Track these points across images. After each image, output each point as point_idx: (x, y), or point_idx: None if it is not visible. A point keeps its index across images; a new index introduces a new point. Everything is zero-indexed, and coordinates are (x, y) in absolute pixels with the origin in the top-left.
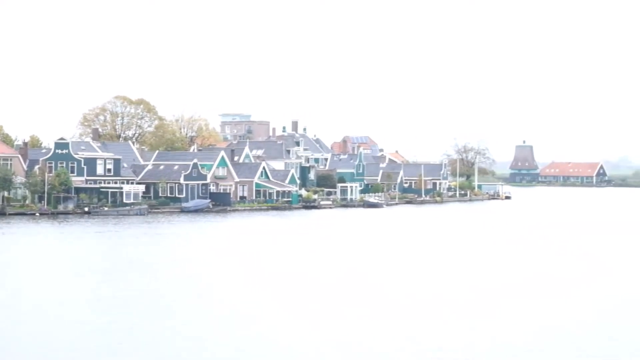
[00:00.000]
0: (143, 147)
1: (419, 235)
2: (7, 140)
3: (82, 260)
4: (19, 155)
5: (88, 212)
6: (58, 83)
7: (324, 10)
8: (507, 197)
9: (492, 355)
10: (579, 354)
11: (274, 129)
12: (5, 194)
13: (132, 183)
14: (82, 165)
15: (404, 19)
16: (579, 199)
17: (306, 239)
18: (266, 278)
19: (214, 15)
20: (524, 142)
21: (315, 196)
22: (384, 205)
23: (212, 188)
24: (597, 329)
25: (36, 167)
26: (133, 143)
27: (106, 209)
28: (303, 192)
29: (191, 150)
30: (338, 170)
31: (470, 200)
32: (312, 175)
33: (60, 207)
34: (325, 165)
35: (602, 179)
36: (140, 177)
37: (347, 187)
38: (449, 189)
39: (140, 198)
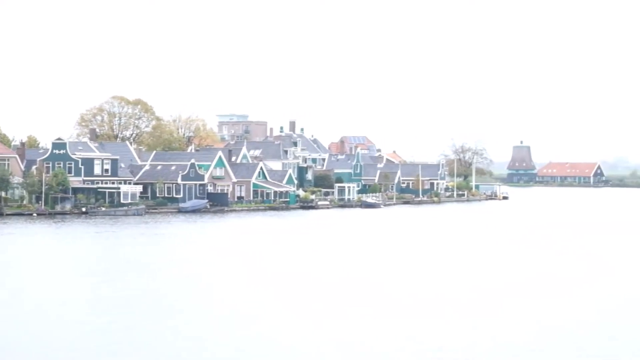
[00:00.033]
0: (140, 147)
1: (418, 235)
2: (5, 141)
3: (80, 261)
4: (17, 156)
5: (85, 213)
6: (55, 83)
7: (321, 10)
8: (505, 198)
9: (492, 355)
10: (579, 354)
11: (271, 129)
12: (3, 194)
13: (129, 183)
14: (80, 166)
15: (402, 19)
16: (577, 199)
17: (305, 239)
18: (265, 278)
19: (212, 16)
20: (522, 142)
21: (313, 196)
22: (382, 206)
23: (210, 188)
24: (597, 329)
25: (33, 168)
26: (130, 143)
27: (103, 209)
28: (300, 192)
29: (189, 150)
30: (335, 171)
31: (467, 200)
32: (309, 176)
33: (58, 208)
34: (323, 165)
35: (599, 179)
36: (137, 177)
37: (344, 187)
38: (447, 189)
39: (137, 198)
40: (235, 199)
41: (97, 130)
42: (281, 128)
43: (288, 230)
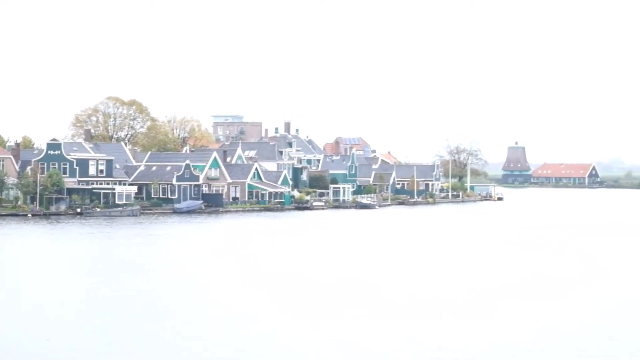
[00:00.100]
0: (135, 148)
1: (415, 236)
2: None
3: (75, 262)
4: (11, 156)
5: (80, 213)
6: (50, 84)
7: (316, 11)
8: (500, 199)
9: (492, 355)
10: (579, 354)
11: (266, 130)
12: None
13: (124, 184)
14: (75, 166)
15: (397, 21)
16: (572, 201)
17: (301, 240)
18: (263, 279)
19: (207, 17)
20: (517, 143)
21: (308, 197)
22: (377, 207)
23: (205, 189)
24: (597, 329)
25: (28, 168)
26: (125, 144)
27: (98, 210)
28: (295, 193)
29: (183, 151)
30: (330, 172)
31: (462, 201)
32: (304, 177)
33: (53, 208)
34: (318, 166)
35: (594, 180)
36: (132, 178)
37: (339, 188)
38: (442, 190)
39: (132, 199)
40: (230, 200)
41: (92, 131)
42: (276, 129)
43: (283, 231)
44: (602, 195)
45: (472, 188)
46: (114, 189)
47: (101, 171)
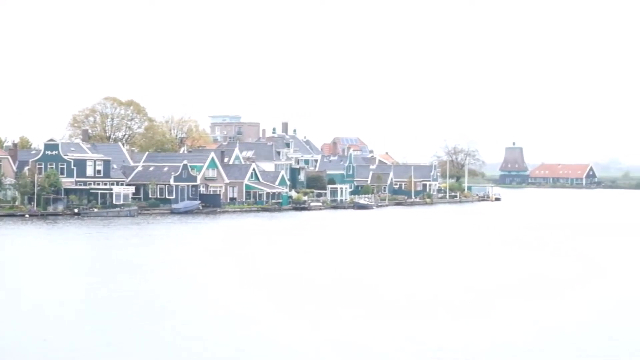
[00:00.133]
0: (133, 148)
1: (412, 236)
2: None
3: (74, 262)
4: (9, 157)
5: (78, 214)
6: (48, 84)
7: (314, 12)
8: (497, 199)
9: (492, 355)
10: (579, 354)
11: (264, 131)
12: None
13: (121, 184)
14: (72, 167)
15: (395, 21)
16: (569, 201)
17: (299, 240)
18: (262, 279)
19: (205, 17)
20: (514, 143)
21: (305, 198)
22: (374, 207)
23: (202, 189)
24: (596, 329)
25: (26, 169)
26: (123, 144)
27: (96, 210)
28: (293, 193)
29: (181, 151)
30: (328, 172)
31: (460, 201)
32: (302, 177)
33: (50, 209)
34: (315, 166)
35: (591, 180)
36: (130, 178)
37: (337, 188)
38: (439, 190)
39: (130, 199)
40: (228, 200)
41: (90, 131)
42: (274, 129)
43: (281, 231)
44: (600, 196)
45: (469, 188)
46: (111, 189)
47: (99, 171)
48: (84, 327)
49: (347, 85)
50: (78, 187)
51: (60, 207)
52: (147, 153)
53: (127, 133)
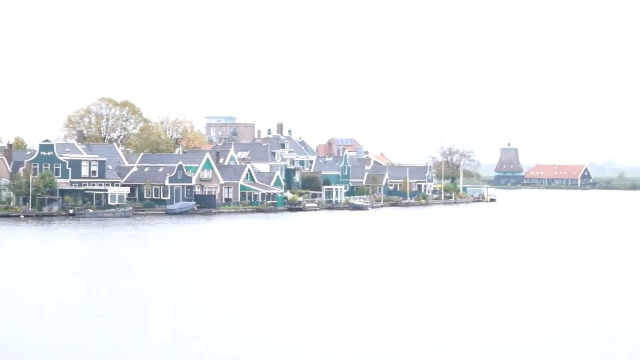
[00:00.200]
0: (128, 149)
1: (408, 237)
2: None
3: (70, 263)
4: (4, 157)
5: (73, 214)
6: (43, 85)
7: (309, 13)
8: (492, 200)
9: (492, 355)
10: (579, 354)
11: (259, 131)
12: None
13: (117, 185)
14: (67, 167)
15: (389, 22)
16: (565, 202)
17: (295, 241)
18: (260, 279)
19: (199, 18)
20: (509, 144)
21: (301, 198)
22: (369, 208)
23: (197, 190)
24: (597, 329)
25: (21, 169)
26: (118, 145)
27: (91, 211)
28: (288, 194)
29: (176, 152)
30: (323, 173)
31: (455, 202)
32: (297, 178)
33: (45, 209)
34: (311, 167)
35: (586, 181)
36: (125, 179)
37: (332, 189)
38: (434, 191)
39: (125, 200)
40: (223, 201)
41: (85, 132)
42: (269, 130)
43: (277, 232)
44: (595, 197)
45: (464, 189)
46: (106, 190)
47: (94, 172)
48: (82, 327)
49: (342, 86)
50: (73, 187)
51: (55, 208)
52: (142, 154)
53: (122, 134)
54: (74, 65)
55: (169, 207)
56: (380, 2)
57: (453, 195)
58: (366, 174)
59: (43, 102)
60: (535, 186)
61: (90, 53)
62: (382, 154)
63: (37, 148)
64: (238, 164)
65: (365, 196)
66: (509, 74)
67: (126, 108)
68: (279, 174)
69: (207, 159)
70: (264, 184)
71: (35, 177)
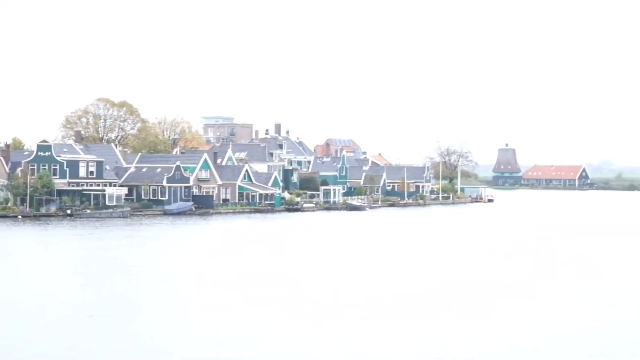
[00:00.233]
0: (126, 149)
1: (406, 237)
2: None
3: (68, 263)
4: (1, 158)
5: (70, 215)
6: (41, 85)
7: (307, 13)
8: (490, 200)
9: (492, 355)
10: (579, 354)
11: (257, 132)
12: None
13: (114, 185)
14: (65, 168)
15: (387, 23)
16: (562, 202)
17: (293, 241)
18: (260, 280)
19: (197, 18)
20: (507, 145)
21: (298, 199)
22: (367, 208)
23: (195, 191)
24: (597, 329)
25: (18, 170)
26: (116, 145)
27: (88, 211)
28: (286, 194)
29: (174, 152)
30: (321, 173)
31: (453, 203)
32: (295, 178)
33: (43, 210)
34: (308, 168)
35: (584, 182)
36: (122, 179)
37: (330, 190)
38: (432, 191)
39: (122, 200)
40: (221, 202)
41: (82, 132)
42: (267, 130)
43: (275, 232)
44: (593, 197)
45: (462, 190)
46: (104, 190)
47: (91, 173)
48: (80, 328)
49: (340, 87)
50: (71, 188)
51: (52, 208)
52: (139, 154)
53: (120, 134)
54: (71, 66)
55: (167, 207)
56: (378, 3)
57: (451, 195)
58: (364, 174)
59: (41, 103)
60: (533, 187)
61: (88, 53)
62: (379, 154)
63: (34, 148)
64: (236, 164)
65: (362, 196)
66: (507, 74)
67: (124, 108)
68: (277, 175)
69: (205, 160)
70: (261, 185)
71: (33, 177)
